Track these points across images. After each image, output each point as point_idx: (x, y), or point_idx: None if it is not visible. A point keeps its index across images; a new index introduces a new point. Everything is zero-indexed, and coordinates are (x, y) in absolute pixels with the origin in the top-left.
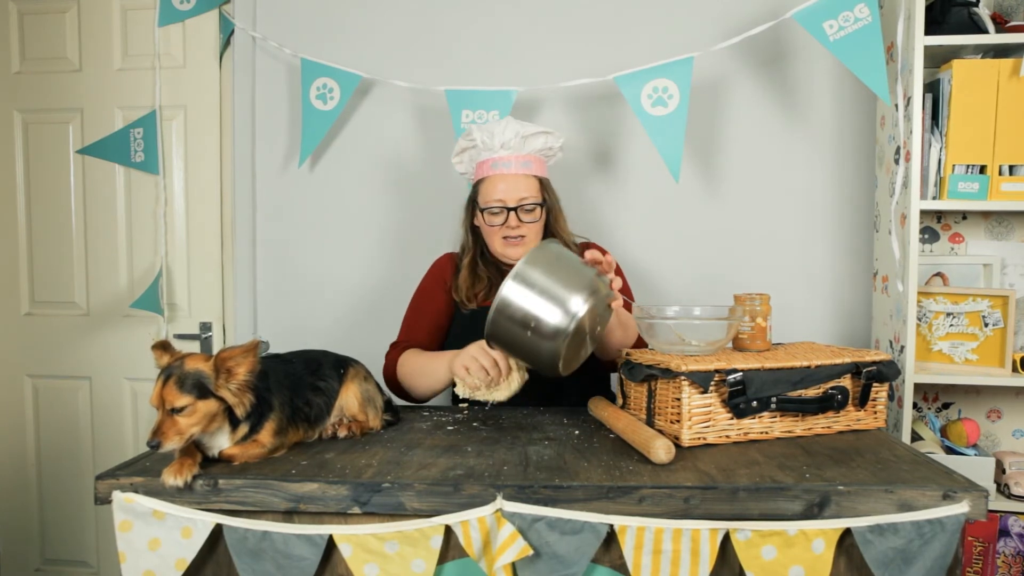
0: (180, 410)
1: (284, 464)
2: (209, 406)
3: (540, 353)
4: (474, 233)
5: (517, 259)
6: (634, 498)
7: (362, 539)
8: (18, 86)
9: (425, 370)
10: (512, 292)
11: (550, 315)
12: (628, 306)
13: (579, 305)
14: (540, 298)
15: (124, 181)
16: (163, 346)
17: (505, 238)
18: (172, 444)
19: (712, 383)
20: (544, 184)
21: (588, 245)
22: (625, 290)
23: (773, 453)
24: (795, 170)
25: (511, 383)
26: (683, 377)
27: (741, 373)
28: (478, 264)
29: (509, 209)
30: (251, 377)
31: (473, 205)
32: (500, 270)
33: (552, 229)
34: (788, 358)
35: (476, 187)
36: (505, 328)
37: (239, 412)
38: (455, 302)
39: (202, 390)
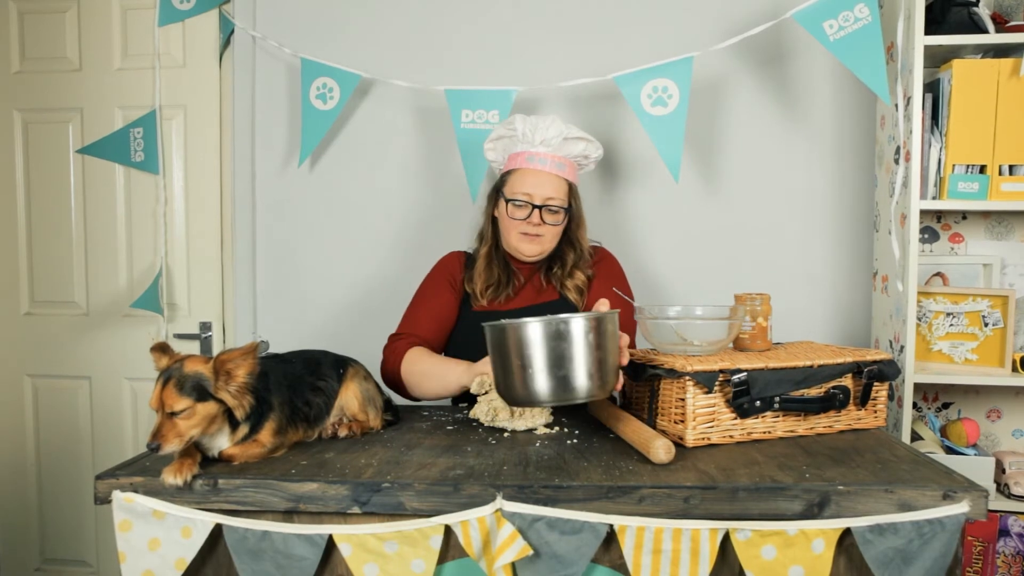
0: (179, 413)
1: (284, 464)
2: (208, 408)
3: (527, 389)
4: (493, 224)
5: (531, 256)
6: (634, 498)
7: (362, 539)
8: (18, 86)
9: (435, 373)
10: (577, 327)
11: (576, 375)
12: (631, 330)
13: (591, 387)
14: (583, 353)
15: (124, 181)
16: (162, 348)
17: (523, 233)
18: (172, 447)
19: (716, 383)
20: (572, 190)
21: (596, 249)
22: (626, 320)
23: (773, 453)
24: (795, 170)
25: (535, 415)
26: (688, 377)
27: (745, 373)
28: (493, 257)
29: (534, 206)
30: (250, 379)
31: (497, 194)
32: (509, 267)
33: (572, 236)
34: (790, 358)
35: (504, 177)
36: (525, 344)
37: (239, 414)
38: (461, 301)
39: (201, 392)
